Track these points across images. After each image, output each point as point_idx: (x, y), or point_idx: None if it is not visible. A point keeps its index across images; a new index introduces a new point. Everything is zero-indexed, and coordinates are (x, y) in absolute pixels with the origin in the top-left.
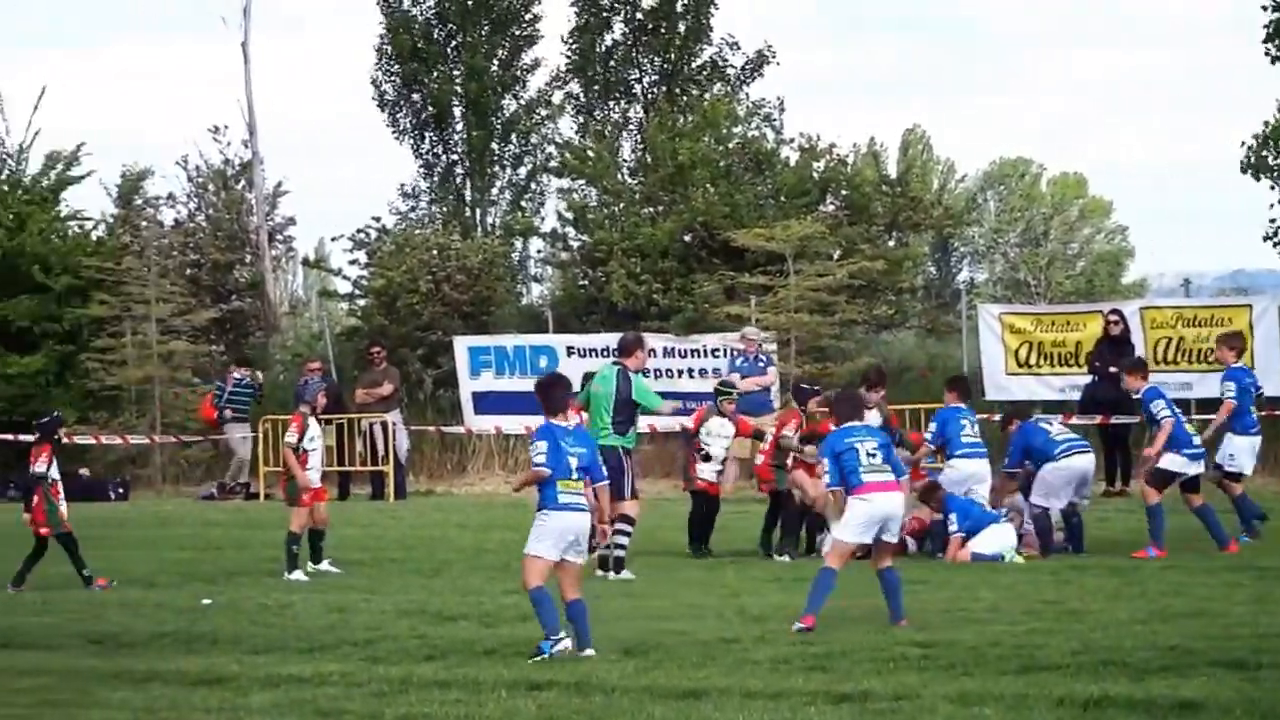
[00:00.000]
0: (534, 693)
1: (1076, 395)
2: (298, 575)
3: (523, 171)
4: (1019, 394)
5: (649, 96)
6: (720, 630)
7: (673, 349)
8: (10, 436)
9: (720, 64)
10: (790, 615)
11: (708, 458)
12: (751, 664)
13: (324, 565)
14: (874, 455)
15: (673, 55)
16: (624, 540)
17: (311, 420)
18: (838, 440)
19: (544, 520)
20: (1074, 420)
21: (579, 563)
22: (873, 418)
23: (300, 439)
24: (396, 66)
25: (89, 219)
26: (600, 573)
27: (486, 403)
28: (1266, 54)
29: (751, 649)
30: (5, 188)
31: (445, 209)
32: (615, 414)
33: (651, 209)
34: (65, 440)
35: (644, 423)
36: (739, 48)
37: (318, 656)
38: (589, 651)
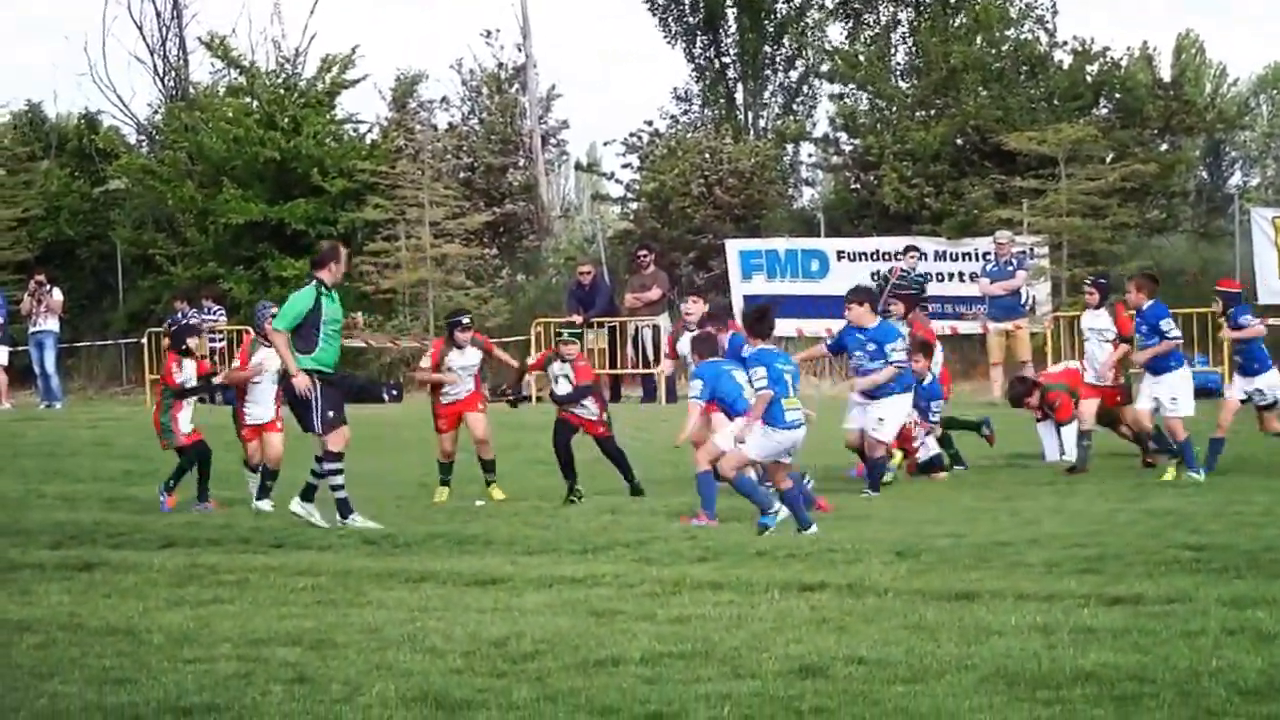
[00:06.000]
0: (806, 594)
1: None
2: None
3: (794, 75)
4: None
5: None
6: (993, 533)
7: (944, 253)
8: None
9: None
10: (1065, 518)
11: None
12: (1024, 567)
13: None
14: None
15: None
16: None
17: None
18: None
19: (768, 434)
20: None
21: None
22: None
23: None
24: None
25: (364, 122)
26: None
27: None
28: None
29: (1024, 551)
30: (282, 91)
31: (717, 112)
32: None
33: (923, 113)
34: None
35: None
36: None
37: (590, 558)
38: (813, 529)
